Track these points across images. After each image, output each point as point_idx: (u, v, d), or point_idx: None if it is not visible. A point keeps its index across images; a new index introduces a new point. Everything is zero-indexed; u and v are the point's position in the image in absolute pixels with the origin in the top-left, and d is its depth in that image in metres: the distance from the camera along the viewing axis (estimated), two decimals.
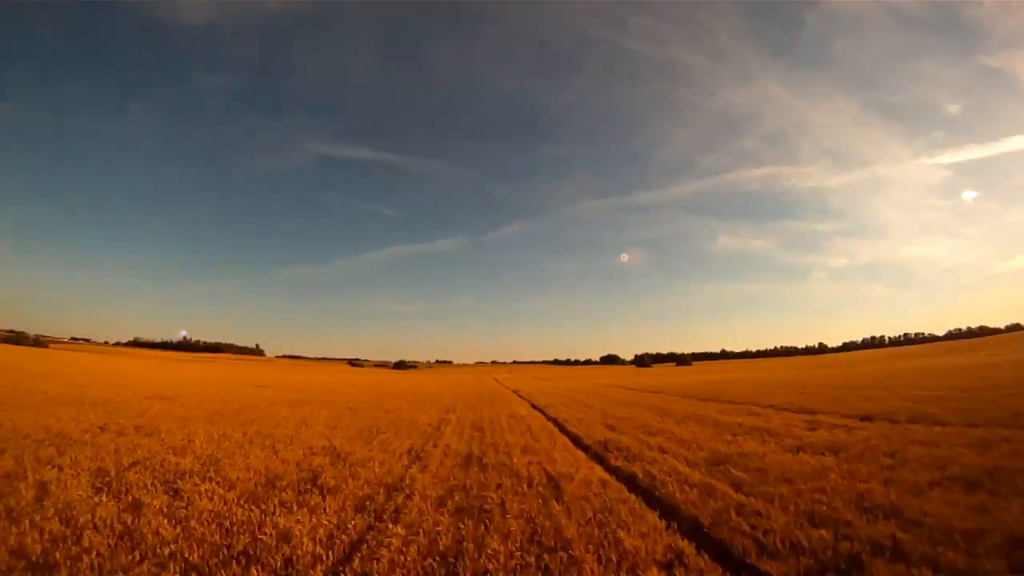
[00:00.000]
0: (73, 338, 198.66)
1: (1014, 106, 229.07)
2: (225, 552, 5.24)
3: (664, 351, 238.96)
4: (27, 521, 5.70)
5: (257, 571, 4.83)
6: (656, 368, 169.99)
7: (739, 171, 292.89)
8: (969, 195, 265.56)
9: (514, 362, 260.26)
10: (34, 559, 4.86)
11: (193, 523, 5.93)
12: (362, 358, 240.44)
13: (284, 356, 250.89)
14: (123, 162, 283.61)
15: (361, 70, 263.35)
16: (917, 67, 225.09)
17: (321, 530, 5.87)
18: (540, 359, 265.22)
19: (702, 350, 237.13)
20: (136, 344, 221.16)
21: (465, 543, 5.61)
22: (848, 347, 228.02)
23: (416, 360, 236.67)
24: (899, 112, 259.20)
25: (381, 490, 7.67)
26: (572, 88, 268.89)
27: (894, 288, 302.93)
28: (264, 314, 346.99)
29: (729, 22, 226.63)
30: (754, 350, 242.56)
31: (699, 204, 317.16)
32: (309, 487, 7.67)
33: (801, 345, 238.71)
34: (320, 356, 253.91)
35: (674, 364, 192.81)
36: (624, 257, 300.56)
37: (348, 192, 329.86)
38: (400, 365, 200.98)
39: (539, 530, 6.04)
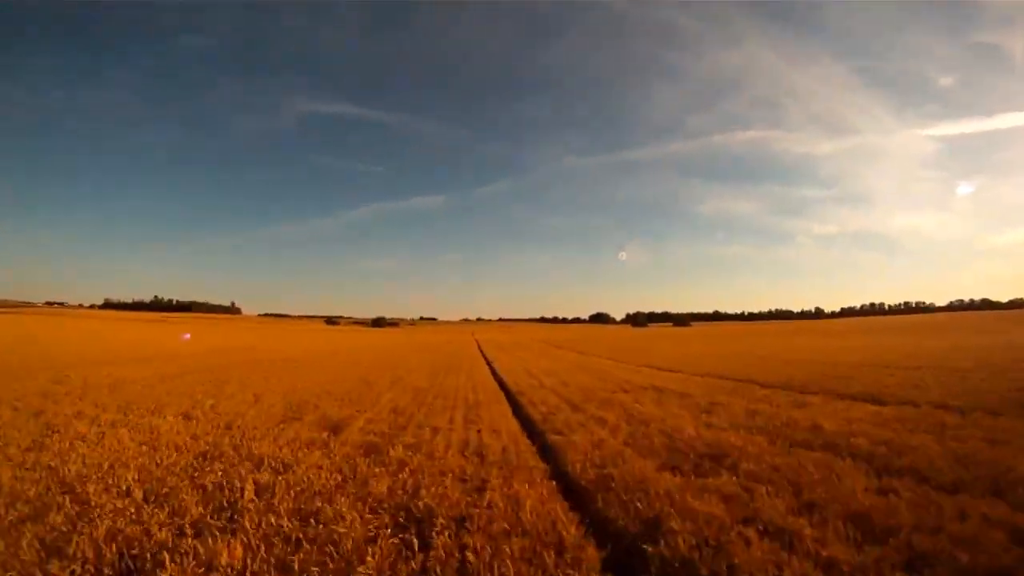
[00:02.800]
0: (48, 302, 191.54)
1: (1007, 83, 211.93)
2: None
3: (657, 310, 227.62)
4: None
5: None
6: (654, 328, 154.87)
7: (727, 133, 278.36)
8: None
9: (500, 319, 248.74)
10: None
11: None
12: (341, 315, 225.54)
13: (266, 315, 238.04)
14: (101, 128, 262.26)
15: (347, 27, 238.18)
16: (911, 38, 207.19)
17: None
18: (526, 317, 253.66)
19: (691, 310, 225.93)
20: (107, 306, 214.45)
21: None
22: (847, 313, 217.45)
23: (399, 317, 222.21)
24: (891, 82, 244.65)
25: None
26: (559, 48, 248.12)
27: (881, 257, 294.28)
28: (247, 273, 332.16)
29: None
30: (745, 312, 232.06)
31: (686, 164, 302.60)
32: None
33: (796, 309, 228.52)
34: (303, 314, 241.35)
35: (671, 324, 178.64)
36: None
37: (333, 150, 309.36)
38: (379, 323, 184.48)
39: None
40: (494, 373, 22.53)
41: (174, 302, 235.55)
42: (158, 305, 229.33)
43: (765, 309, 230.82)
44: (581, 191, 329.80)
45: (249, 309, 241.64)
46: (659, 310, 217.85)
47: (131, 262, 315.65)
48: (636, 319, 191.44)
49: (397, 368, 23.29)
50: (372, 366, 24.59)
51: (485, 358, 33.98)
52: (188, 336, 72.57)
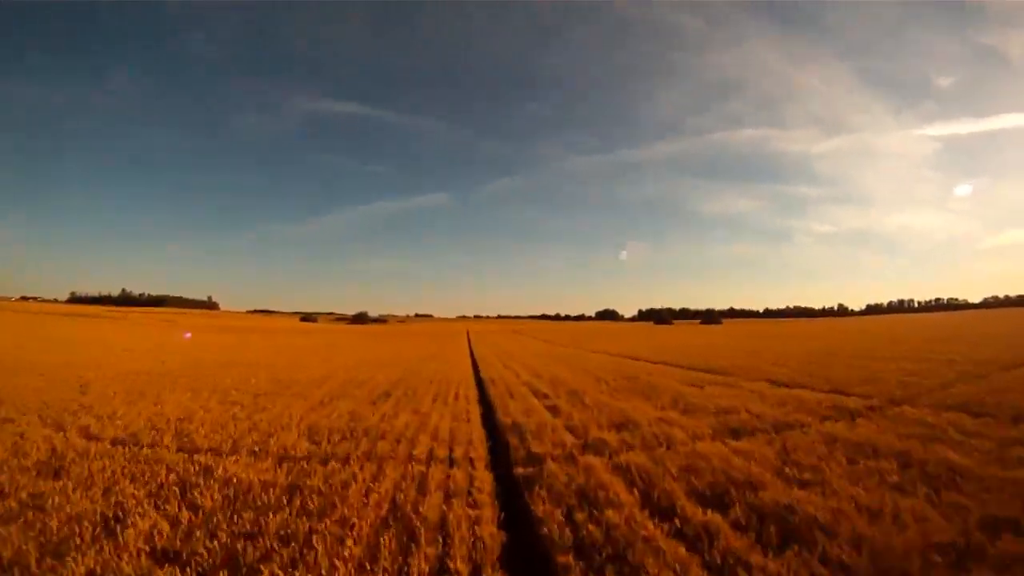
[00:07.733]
0: (23, 297, 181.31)
1: (1006, 84, 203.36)
2: None
3: (661, 307, 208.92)
4: None
5: None
6: (686, 326, 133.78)
7: (727, 132, 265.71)
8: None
9: (499, 316, 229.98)
10: None
11: None
12: (330, 311, 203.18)
13: (252, 311, 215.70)
14: (101, 128, 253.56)
15: (351, 27, 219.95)
16: (910, 38, 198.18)
17: None
18: (527, 314, 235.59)
19: (693, 307, 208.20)
20: (73, 300, 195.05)
21: None
22: (873, 310, 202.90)
23: (389, 314, 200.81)
24: (890, 82, 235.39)
25: None
26: (563, 48, 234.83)
27: (879, 255, 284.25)
28: (246, 270, 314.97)
29: None
30: (764, 309, 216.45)
31: (687, 163, 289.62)
32: None
33: (817, 306, 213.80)
34: (291, 310, 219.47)
35: (699, 322, 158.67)
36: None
37: (334, 149, 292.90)
38: (360, 319, 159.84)
39: None
40: None
41: (144, 296, 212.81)
42: (126, 299, 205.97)
43: (782, 306, 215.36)
44: (584, 190, 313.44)
45: (231, 305, 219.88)
46: (662, 306, 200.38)
47: (117, 259, 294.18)
48: (659, 316, 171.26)
49: None
50: None
51: None
52: (189, 335, 60.44)
